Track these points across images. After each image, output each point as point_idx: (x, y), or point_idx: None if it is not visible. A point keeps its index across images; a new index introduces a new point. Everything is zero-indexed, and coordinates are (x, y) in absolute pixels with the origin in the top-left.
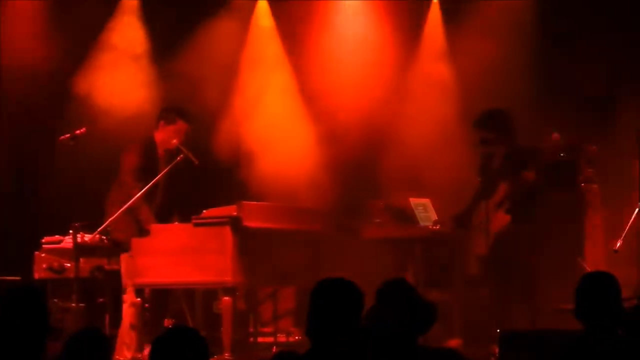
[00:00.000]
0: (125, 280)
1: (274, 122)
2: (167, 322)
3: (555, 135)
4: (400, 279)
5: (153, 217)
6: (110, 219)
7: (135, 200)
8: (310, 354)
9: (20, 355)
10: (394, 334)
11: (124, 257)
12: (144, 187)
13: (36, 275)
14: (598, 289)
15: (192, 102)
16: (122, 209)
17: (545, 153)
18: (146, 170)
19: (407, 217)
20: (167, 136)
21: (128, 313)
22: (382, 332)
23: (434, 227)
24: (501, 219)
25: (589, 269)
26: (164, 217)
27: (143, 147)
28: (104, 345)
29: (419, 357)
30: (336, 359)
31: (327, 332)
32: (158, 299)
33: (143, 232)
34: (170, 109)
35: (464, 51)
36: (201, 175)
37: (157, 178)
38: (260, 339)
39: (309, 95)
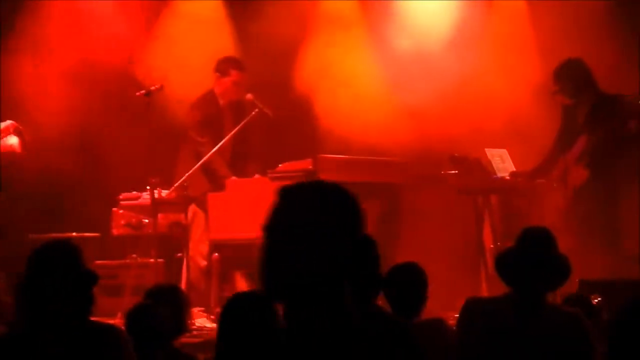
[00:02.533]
0: (198, 235)
1: (349, 73)
2: (240, 278)
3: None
4: (545, 230)
5: (228, 169)
6: (187, 174)
7: (211, 154)
8: None
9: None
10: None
11: (197, 212)
12: (212, 141)
13: (114, 232)
14: None
15: (266, 57)
16: (198, 164)
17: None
18: (209, 124)
19: (483, 167)
20: (225, 88)
21: (202, 268)
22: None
23: (512, 178)
24: (581, 173)
25: None
26: (235, 170)
27: (202, 102)
28: (180, 301)
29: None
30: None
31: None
32: (232, 254)
33: (216, 186)
34: (223, 61)
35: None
36: (276, 128)
37: (232, 132)
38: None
39: (383, 45)
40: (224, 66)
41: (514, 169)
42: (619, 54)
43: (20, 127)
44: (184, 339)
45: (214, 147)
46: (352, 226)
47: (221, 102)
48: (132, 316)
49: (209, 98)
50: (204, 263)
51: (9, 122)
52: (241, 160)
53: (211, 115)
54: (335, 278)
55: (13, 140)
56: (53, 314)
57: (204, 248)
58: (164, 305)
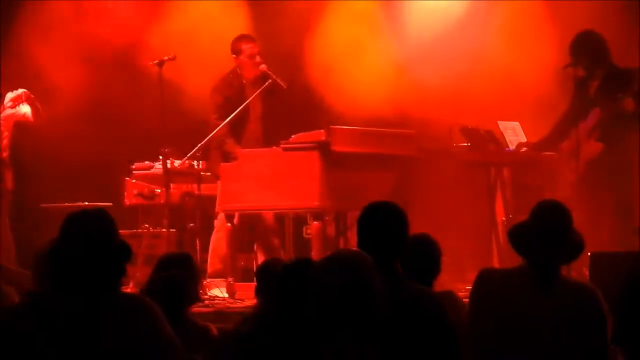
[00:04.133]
0: (217, 206)
1: (360, 47)
2: (256, 248)
3: None
4: (560, 205)
5: (238, 148)
6: (199, 146)
7: (219, 128)
8: None
9: (98, 280)
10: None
11: (219, 184)
12: (232, 122)
13: (127, 202)
14: None
15: (279, 31)
16: (207, 137)
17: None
18: (230, 104)
19: (496, 139)
20: (244, 65)
21: (216, 238)
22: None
23: (522, 150)
24: (593, 147)
25: None
26: (259, 144)
27: (223, 83)
28: (192, 271)
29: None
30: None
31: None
32: (247, 225)
33: (230, 159)
34: (234, 41)
35: None
36: (290, 100)
37: (241, 107)
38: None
39: (394, 20)
40: (235, 45)
41: (526, 141)
42: (633, 28)
43: (32, 96)
44: (196, 309)
45: (234, 128)
46: None
47: (244, 80)
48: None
49: (230, 78)
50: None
51: (20, 90)
52: (273, 134)
53: (233, 95)
54: None
55: (26, 109)
56: (83, 282)
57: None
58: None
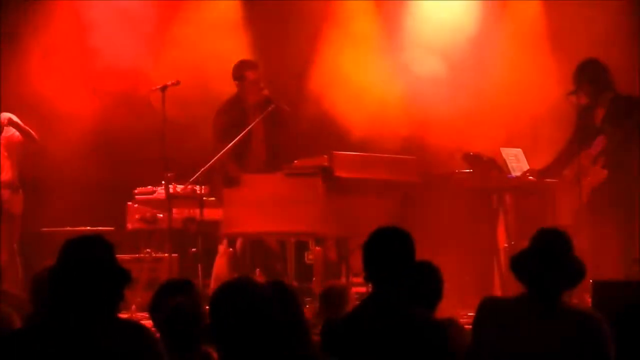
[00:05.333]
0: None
1: (364, 75)
2: (259, 273)
3: None
4: (561, 232)
5: (241, 173)
6: (201, 170)
7: (222, 154)
8: (373, 297)
9: (95, 306)
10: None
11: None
12: (234, 145)
13: (129, 226)
14: None
15: (281, 57)
16: (210, 162)
17: None
18: (233, 128)
19: (498, 166)
20: (247, 90)
21: (219, 263)
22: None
23: (525, 177)
24: (598, 173)
25: None
26: (262, 169)
27: (227, 107)
28: (193, 295)
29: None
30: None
31: (386, 278)
32: (249, 250)
33: (233, 183)
34: (236, 67)
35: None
36: (294, 124)
37: (244, 132)
38: (352, 289)
39: (394, 49)
40: (238, 71)
41: (529, 168)
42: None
43: (16, 120)
44: None
45: (237, 153)
46: None
47: (247, 105)
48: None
49: (233, 103)
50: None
51: (2, 115)
52: (277, 158)
53: (236, 119)
54: None
55: (12, 131)
56: (80, 308)
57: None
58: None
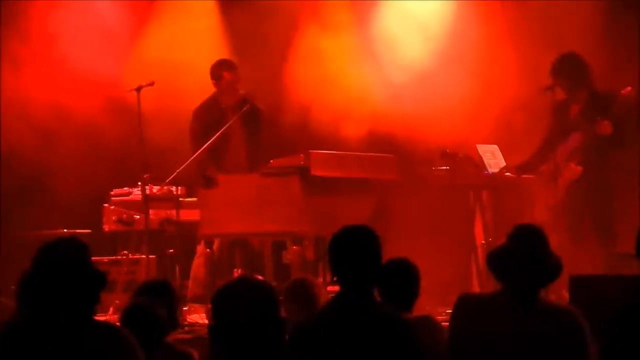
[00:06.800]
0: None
1: (340, 72)
2: (236, 273)
3: (628, 89)
4: (537, 228)
5: (218, 174)
6: (177, 171)
7: (198, 154)
8: (339, 297)
9: (71, 308)
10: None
11: None
12: (211, 145)
13: (106, 228)
14: None
15: (257, 54)
16: (186, 162)
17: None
18: (210, 129)
19: (474, 163)
20: (223, 91)
21: (197, 264)
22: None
23: (502, 174)
24: (573, 170)
25: None
26: (242, 169)
27: (203, 108)
28: (171, 297)
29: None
30: (363, 299)
31: (353, 277)
32: (228, 250)
33: (210, 185)
34: (214, 66)
35: None
36: (270, 125)
37: (220, 132)
38: (329, 288)
39: (370, 46)
40: (215, 71)
41: (505, 164)
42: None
43: None
44: (177, 335)
45: (215, 154)
46: None
47: (223, 105)
48: (131, 314)
49: (210, 103)
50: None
51: None
52: (257, 158)
53: (213, 120)
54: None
55: None
56: (55, 311)
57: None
58: (156, 302)
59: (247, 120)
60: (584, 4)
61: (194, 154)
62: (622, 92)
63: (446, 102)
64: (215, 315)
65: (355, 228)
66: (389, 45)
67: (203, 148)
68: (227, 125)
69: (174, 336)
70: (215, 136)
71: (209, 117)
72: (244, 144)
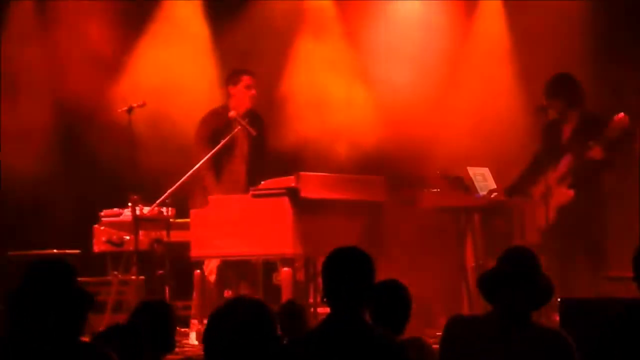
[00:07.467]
0: None
1: (332, 95)
2: (227, 294)
3: (620, 115)
4: (529, 251)
5: (216, 184)
6: (170, 191)
7: (197, 168)
8: (330, 318)
9: (56, 329)
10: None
11: None
12: (213, 156)
13: (96, 249)
14: None
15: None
16: (183, 178)
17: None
18: (214, 138)
19: (465, 186)
20: (239, 95)
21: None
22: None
23: (493, 196)
24: (564, 193)
25: None
26: (240, 186)
27: (212, 116)
28: (167, 317)
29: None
30: (354, 321)
31: (346, 298)
32: (218, 271)
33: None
34: (232, 72)
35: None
36: (263, 146)
37: (217, 148)
38: (320, 310)
39: (365, 67)
40: (234, 76)
41: (496, 187)
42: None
43: None
44: (171, 357)
45: (216, 164)
46: None
47: (231, 114)
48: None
49: (219, 112)
50: (213, 278)
51: None
52: (259, 173)
53: (220, 129)
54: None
55: None
56: (40, 331)
57: (214, 264)
58: (152, 322)
59: (252, 135)
60: (579, 25)
61: (197, 161)
62: (615, 118)
63: (443, 125)
64: (211, 336)
65: (348, 249)
66: (384, 65)
67: (205, 158)
68: (232, 133)
69: (170, 357)
70: (219, 145)
71: (217, 124)
72: (246, 158)
